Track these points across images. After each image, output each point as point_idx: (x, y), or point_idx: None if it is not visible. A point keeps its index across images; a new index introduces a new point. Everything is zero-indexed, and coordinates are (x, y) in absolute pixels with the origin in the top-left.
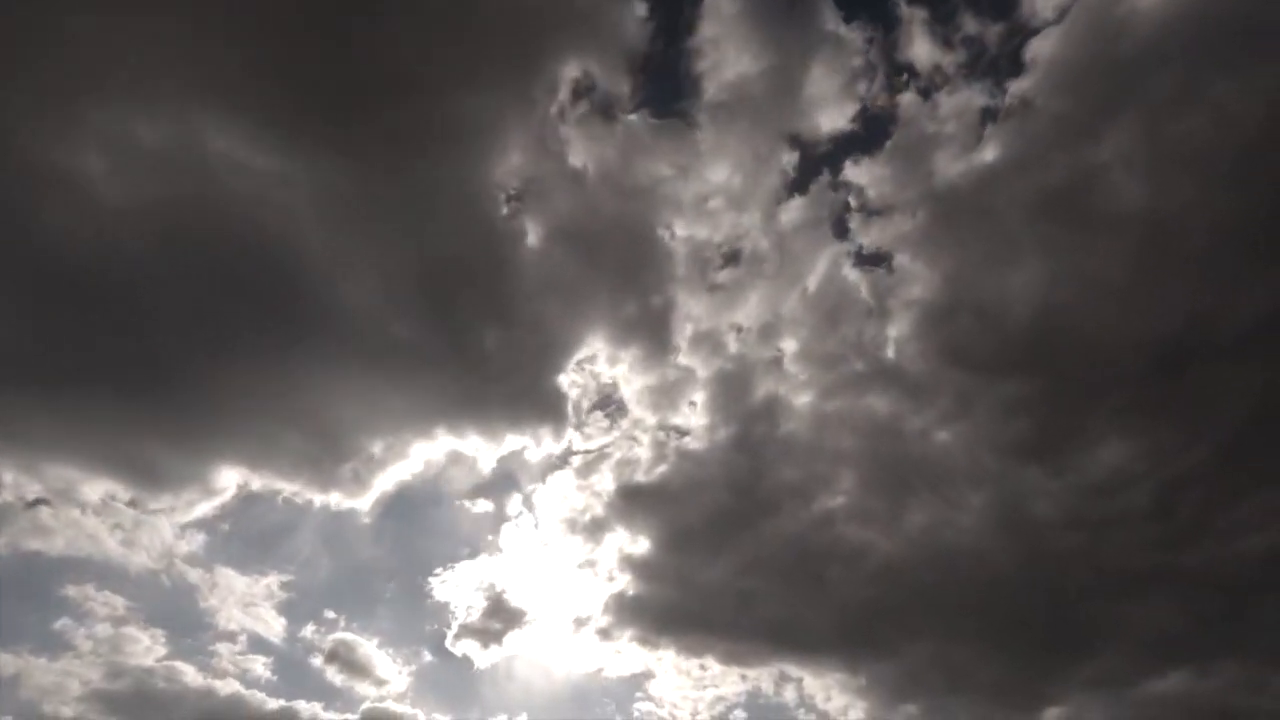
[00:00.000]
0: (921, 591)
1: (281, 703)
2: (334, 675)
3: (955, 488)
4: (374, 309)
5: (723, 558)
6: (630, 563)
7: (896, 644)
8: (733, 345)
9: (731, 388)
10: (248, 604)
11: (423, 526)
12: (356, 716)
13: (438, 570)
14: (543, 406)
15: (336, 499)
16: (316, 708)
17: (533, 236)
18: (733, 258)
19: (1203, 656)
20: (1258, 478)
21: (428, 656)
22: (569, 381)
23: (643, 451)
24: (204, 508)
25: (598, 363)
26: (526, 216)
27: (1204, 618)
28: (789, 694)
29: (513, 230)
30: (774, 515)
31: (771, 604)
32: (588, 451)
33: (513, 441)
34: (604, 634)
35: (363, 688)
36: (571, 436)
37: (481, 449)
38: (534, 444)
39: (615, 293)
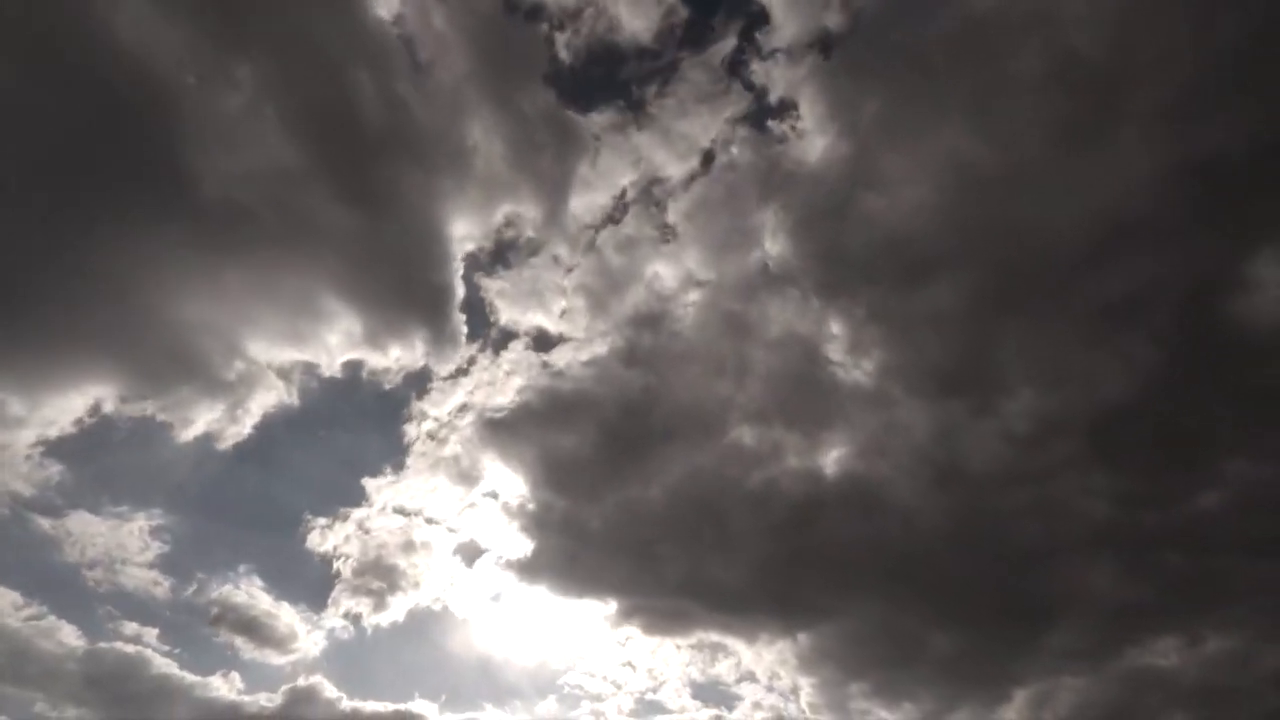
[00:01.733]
0: (849, 545)
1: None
2: (233, 640)
3: (870, 421)
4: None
5: (616, 500)
6: (520, 512)
7: (831, 607)
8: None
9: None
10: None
11: (303, 459)
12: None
13: (323, 518)
14: (429, 313)
15: (209, 422)
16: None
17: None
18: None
19: (1175, 626)
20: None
21: (330, 619)
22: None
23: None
24: (50, 432)
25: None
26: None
27: (1169, 582)
28: (724, 669)
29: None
30: (671, 448)
31: (682, 559)
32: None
33: (402, 358)
34: (496, 600)
35: (269, 656)
36: (461, 353)
37: (370, 360)
38: (420, 359)
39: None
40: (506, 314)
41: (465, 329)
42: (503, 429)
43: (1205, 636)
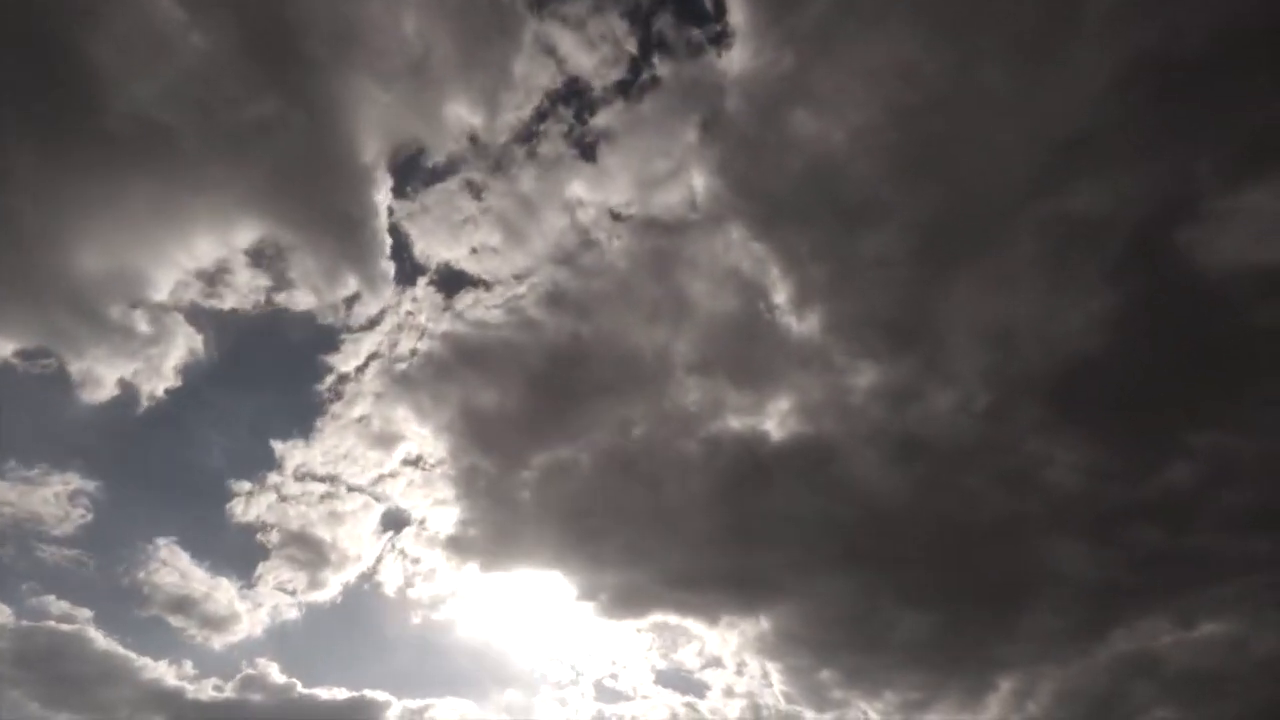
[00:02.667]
0: (802, 517)
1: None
2: (170, 619)
3: (817, 379)
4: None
5: (547, 464)
6: (445, 479)
7: (790, 585)
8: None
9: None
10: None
11: (223, 417)
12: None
13: (246, 482)
14: (347, 248)
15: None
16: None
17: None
18: None
19: (1160, 608)
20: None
21: (266, 596)
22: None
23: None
24: None
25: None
26: None
27: (1147, 560)
28: (688, 655)
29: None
30: (605, 403)
31: (622, 530)
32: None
33: (322, 300)
34: (433, 577)
35: (210, 638)
36: (383, 297)
37: (290, 301)
38: (338, 302)
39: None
40: (418, 249)
41: (389, 268)
42: (416, 384)
43: (1191, 619)
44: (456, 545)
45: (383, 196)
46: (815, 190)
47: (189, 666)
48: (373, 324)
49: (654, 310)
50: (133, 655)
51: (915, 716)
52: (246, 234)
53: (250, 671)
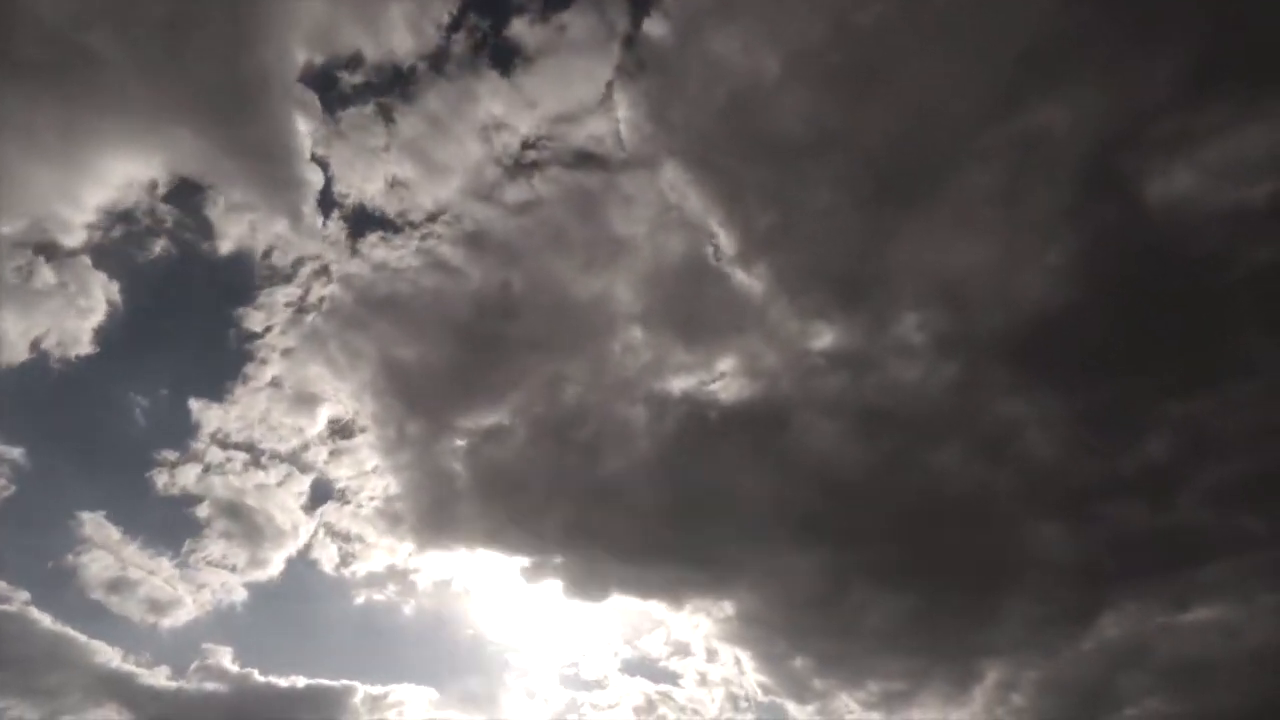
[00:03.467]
0: (756, 489)
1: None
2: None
3: (765, 338)
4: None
5: (479, 428)
6: (372, 447)
7: (751, 564)
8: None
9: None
10: None
11: (144, 378)
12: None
13: (169, 451)
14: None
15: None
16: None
17: None
18: None
19: (1146, 591)
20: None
21: (205, 575)
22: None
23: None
24: None
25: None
26: None
27: (1130, 540)
28: (654, 642)
29: None
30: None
31: (565, 501)
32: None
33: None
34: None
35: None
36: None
37: (212, 241)
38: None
39: None
40: (337, 183)
41: (309, 206)
42: (329, 339)
43: (1179, 604)
44: (390, 521)
45: (303, 124)
46: (750, 123)
47: (136, 650)
48: (291, 271)
49: (588, 256)
50: (81, 637)
51: (899, 708)
52: (163, 163)
53: (208, 662)
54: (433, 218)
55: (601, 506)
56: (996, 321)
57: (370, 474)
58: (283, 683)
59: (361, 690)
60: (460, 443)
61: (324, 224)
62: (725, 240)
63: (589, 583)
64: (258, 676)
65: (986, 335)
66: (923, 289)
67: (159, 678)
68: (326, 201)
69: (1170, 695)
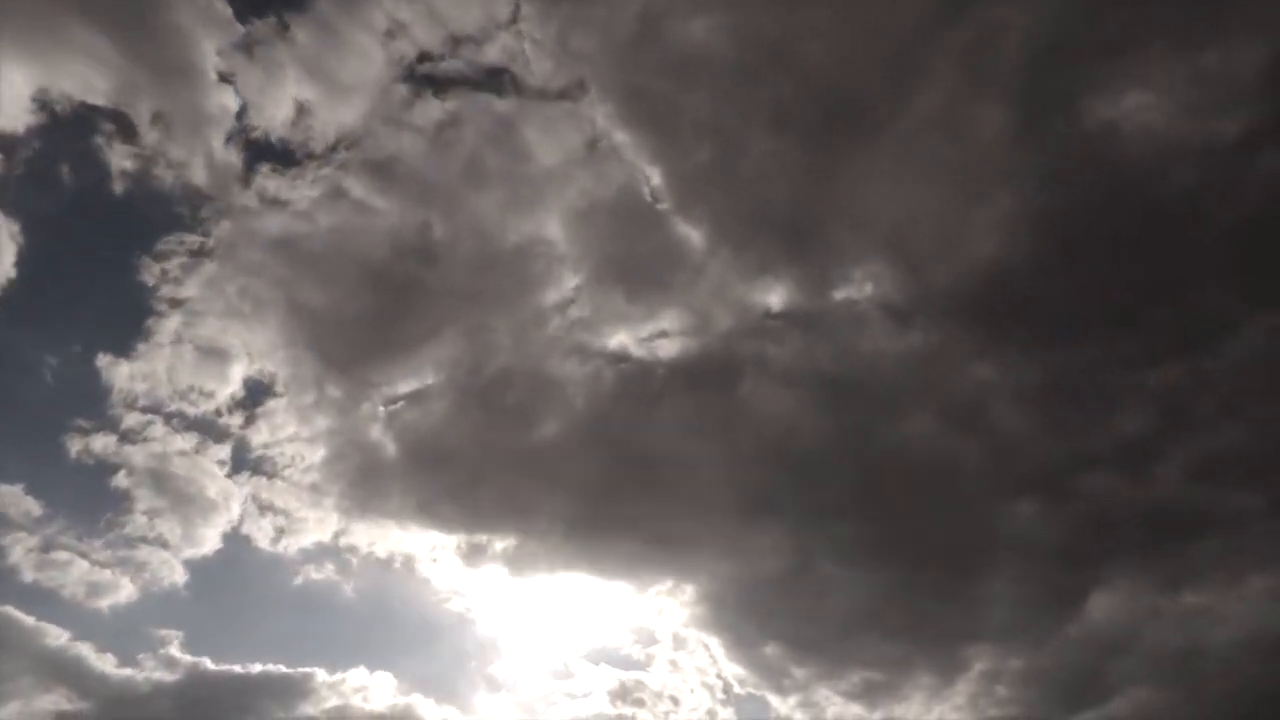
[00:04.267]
0: (712, 462)
1: None
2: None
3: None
4: None
5: (399, 389)
6: (290, 411)
7: (708, 541)
8: None
9: None
10: None
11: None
12: None
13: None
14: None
15: None
16: None
17: None
18: None
19: (1131, 573)
20: None
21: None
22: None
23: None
24: None
25: None
26: None
27: (1112, 521)
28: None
29: None
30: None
31: (500, 472)
32: None
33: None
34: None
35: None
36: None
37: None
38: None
39: None
40: (245, 107)
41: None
42: (236, 289)
43: (1166, 587)
44: (315, 494)
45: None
46: (673, 43)
47: (81, 634)
48: (192, 210)
49: (511, 193)
50: (28, 619)
51: (882, 701)
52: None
53: (160, 652)
54: (338, 146)
55: (539, 477)
56: (953, 277)
57: (291, 441)
58: (237, 669)
59: (320, 675)
60: (382, 408)
61: (226, 155)
62: (659, 180)
63: (534, 561)
64: (210, 665)
65: (943, 292)
66: (873, 240)
67: (107, 664)
68: (230, 131)
69: (1158, 684)
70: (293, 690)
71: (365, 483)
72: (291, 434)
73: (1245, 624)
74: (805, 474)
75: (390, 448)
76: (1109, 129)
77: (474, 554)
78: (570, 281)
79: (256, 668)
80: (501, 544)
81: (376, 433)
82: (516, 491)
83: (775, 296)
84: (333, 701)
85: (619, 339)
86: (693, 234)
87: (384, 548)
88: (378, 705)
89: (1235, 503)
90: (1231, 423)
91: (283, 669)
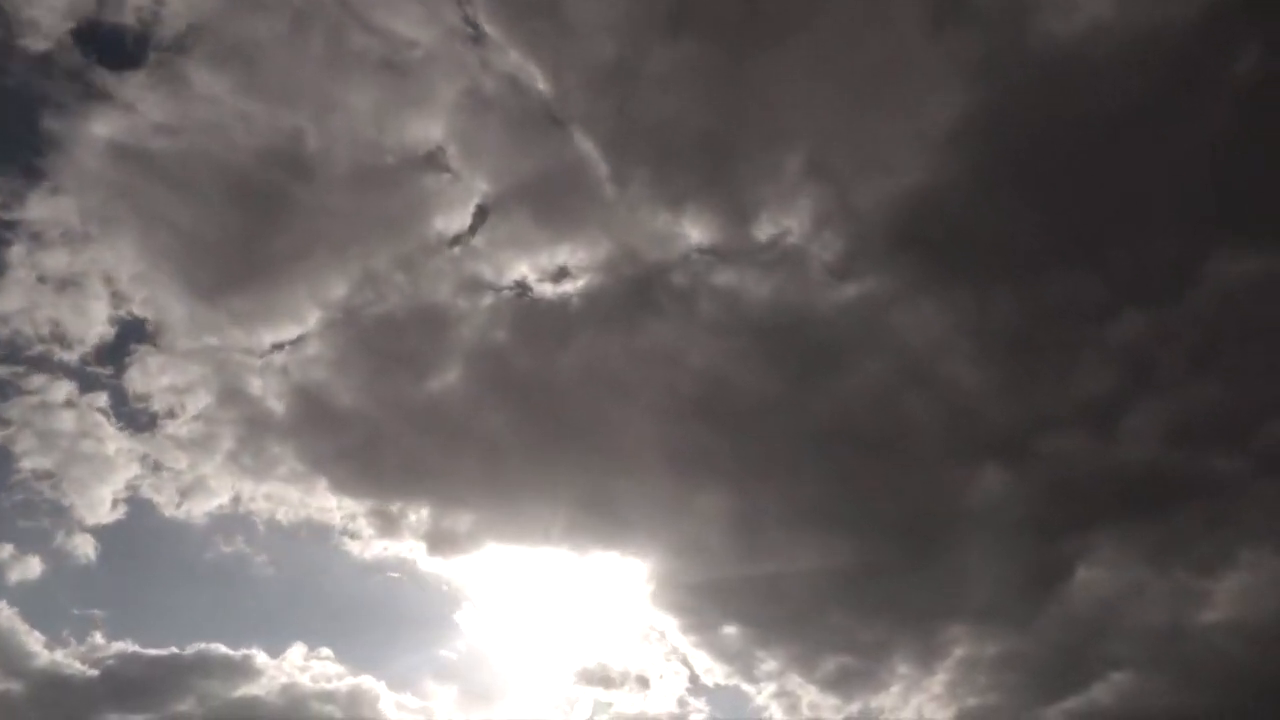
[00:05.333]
0: (637, 416)
1: None
2: None
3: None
4: None
5: (274, 325)
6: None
7: (643, 501)
8: None
9: None
10: None
11: None
12: None
13: None
14: None
15: None
16: None
17: None
18: None
19: (1106, 546)
20: None
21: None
22: None
23: None
24: None
25: None
26: None
27: (1084, 488)
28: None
29: None
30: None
31: (398, 431)
32: None
33: None
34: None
35: None
36: None
37: None
38: None
39: None
40: None
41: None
42: (87, 211)
43: (1149, 561)
44: (203, 452)
45: None
46: None
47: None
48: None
49: (380, 93)
50: None
51: (858, 692)
52: None
53: (89, 639)
54: (188, 37)
55: (443, 435)
56: (883, 206)
57: (172, 393)
58: (173, 649)
59: (260, 656)
60: (259, 360)
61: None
62: (549, 87)
63: (456, 532)
64: (140, 649)
65: (874, 223)
66: (796, 164)
67: (35, 643)
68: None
69: (1142, 668)
70: (233, 670)
71: (253, 440)
72: (168, 384)
73: (1235, 604)
74: (745, 432)
75: (274, 402)
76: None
77: (388, 524)
78: (464, 201)
79: (192, 649)
80: (415, 514)
81: (258, 385)
82: (420, 452)
83: (696, 229)
84: (280, 680)
85: (522, 272)
86: (592, 150)
87: (289, 514)
88: (326, 684)
89: (1217, 467)
90: (1203, 377)
91: (222, 649)
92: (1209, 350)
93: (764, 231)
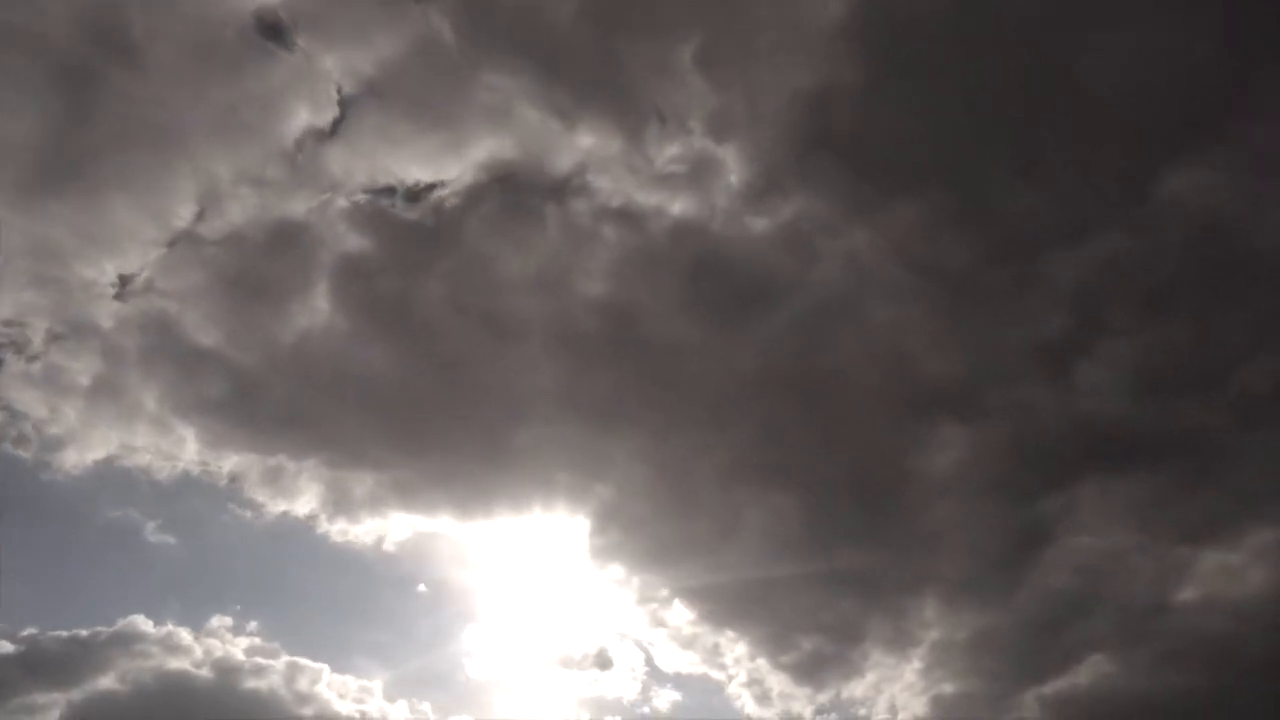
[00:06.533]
0: (527, 354)
1: None
2: None
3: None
4: None
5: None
6: None
7: (555, 460)
8: None
9: None
10: None
11: None
12: None
13: None
14: None
15: None
16: None
17: None
18: None
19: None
20: None
21: None
22: None
23: None
24: None
25: None
26: None
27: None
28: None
29: None
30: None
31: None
32: None
33: None
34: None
35: None
36: None
37: None
38: None
39: None
40: None
41: None
42: None
43: (1126, 529)
44: (53, 387)
45: None
46: None
47: None
48: None
49: None
50: None
51: (831, 680)
52: None
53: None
54: None
55: (314, 377)
56: (792, 111)
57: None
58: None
59: (184, 632)
60: (113, 306)
61: None
62: None
63: (349, 495)
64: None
65: (781, 130)
66: (691, 56)
67: None
68: None
69: (1120, 650)
70: (155, 644)
71: (113, 380)
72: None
73: (1218, 579)
74: (661, 375)
75: (122, 337)
76: None
77: (279, 483)
78: (319, 93)
79: (106, 628)
80: (304, 468)
81: (104, 315)
82: (292, 398)
83: (586, 136)
84: (213, 655)
85: (389, 180)
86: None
87: (170, 470)
88: (258, 659)
89: (1193, 420)
90: (1163, 318)
91: (144, 623)
92: (1167, 287)
93: (664, 145)
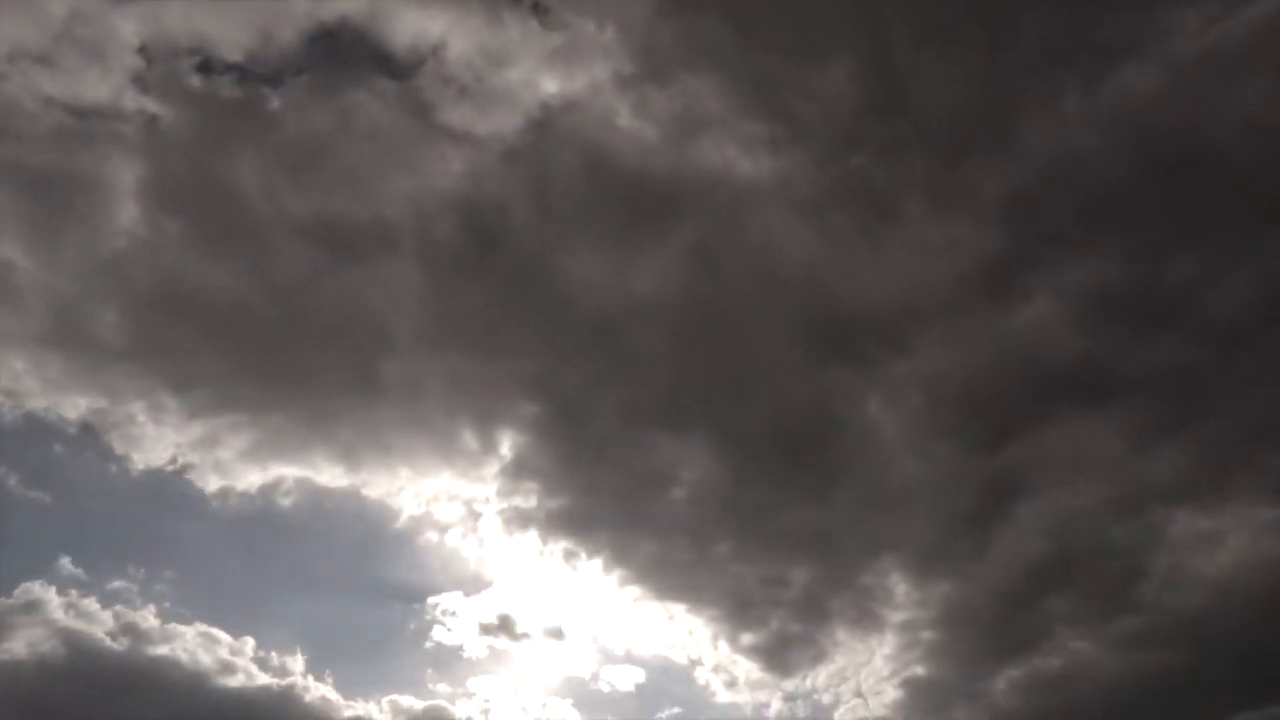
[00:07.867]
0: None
1: None
2: None
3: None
4: None
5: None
6: None
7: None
8: None
9: None
10: None
11: None
12: None
13: None
14: None
15: None
16: None
17: None
18: None
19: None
20: None
21: None
22: None
23: None
24: None
25: None
26: None
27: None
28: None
29: None
30: None
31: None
32: None
33: None
34: None
35: None
36: None
37: None
38: None
39: None
40: None
41: None
42: None
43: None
44: None
45: None
46: None
47: None
48: None
49: None
50: None
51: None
52: None
53: None
54: None
55: (145, 300)
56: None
57: None
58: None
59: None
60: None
61: None
62: None
63: (242, 451)
64: None
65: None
66: None
67: None
68: None
69: (1088, 624)
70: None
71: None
72: None
73: (1191, 550)
74: (536, 296)
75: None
76: None
77: (129, 429)
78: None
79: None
80: (151, 417)
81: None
82: (123, 325)
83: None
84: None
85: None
86: None
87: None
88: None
89: (1148, 356)
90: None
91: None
92: (1099, 202)
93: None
